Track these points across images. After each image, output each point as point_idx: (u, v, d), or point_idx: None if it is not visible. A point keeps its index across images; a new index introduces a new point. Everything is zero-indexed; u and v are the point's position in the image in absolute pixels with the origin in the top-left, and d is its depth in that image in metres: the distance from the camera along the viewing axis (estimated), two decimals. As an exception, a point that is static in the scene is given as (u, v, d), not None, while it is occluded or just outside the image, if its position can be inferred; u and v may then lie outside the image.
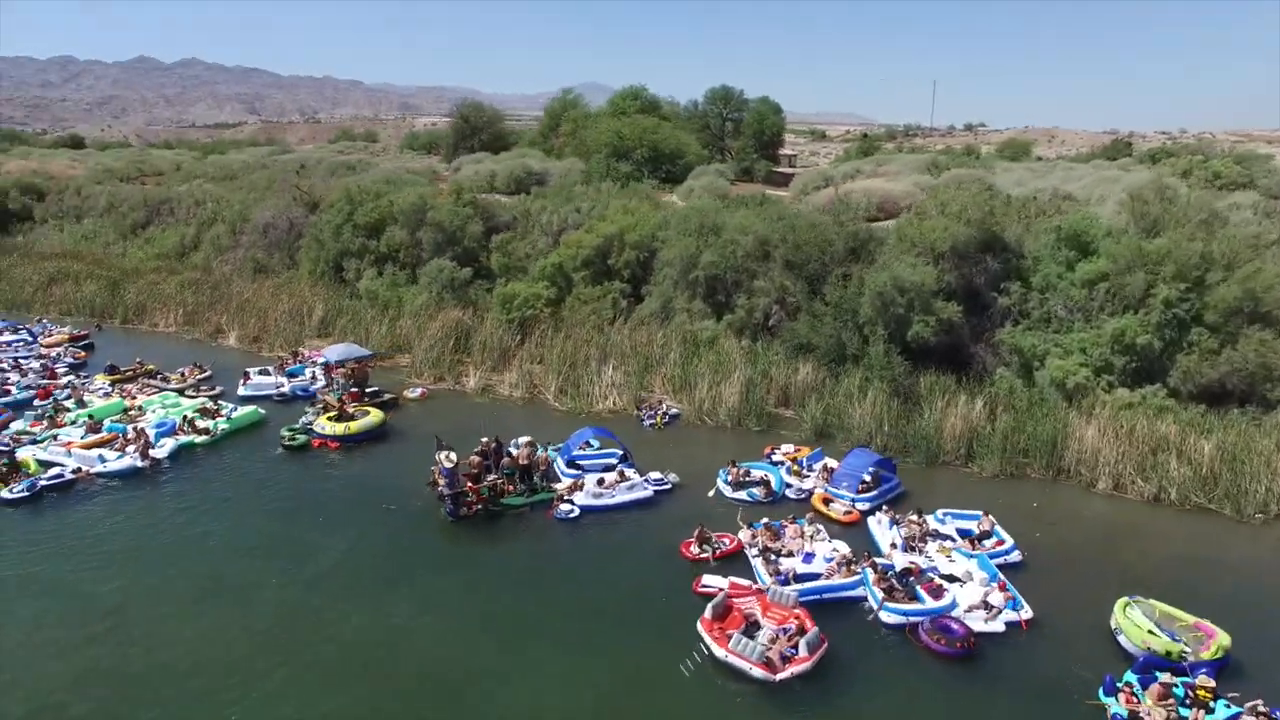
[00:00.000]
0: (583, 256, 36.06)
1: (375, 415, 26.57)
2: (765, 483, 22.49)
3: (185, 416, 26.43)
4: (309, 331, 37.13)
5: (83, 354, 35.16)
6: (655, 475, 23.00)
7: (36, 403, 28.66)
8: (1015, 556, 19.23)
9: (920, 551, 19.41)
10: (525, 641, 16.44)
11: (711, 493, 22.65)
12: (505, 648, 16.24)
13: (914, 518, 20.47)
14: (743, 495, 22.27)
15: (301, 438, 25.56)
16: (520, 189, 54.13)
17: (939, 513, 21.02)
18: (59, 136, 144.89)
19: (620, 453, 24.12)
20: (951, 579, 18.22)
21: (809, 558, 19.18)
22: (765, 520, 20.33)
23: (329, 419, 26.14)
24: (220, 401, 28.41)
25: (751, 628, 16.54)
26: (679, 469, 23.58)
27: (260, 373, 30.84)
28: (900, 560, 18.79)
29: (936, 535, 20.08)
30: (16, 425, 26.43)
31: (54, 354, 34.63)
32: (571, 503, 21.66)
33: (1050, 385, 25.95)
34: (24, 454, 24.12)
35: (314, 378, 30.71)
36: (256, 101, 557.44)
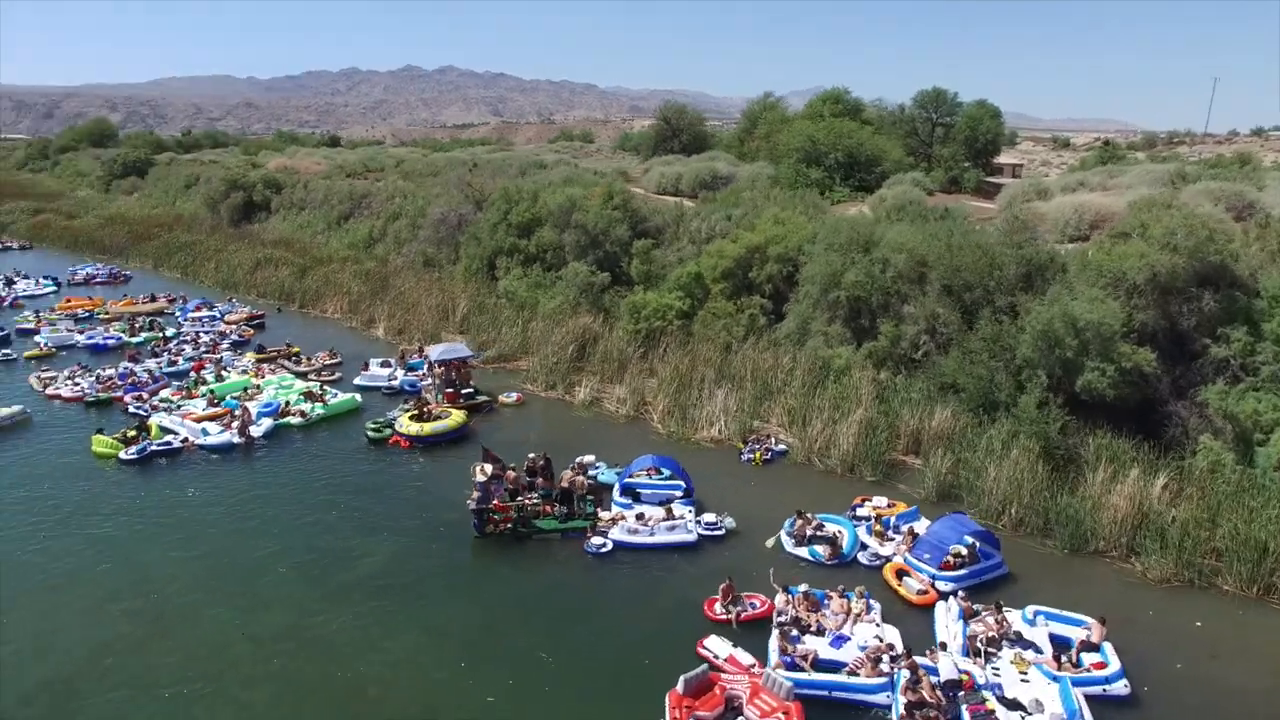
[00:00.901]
0: (722, 267, 33.54)
1: (454, 419, 26.19)
2: (834, 541, 19.12)
3: (287, 400, 27.82)
4: (451, 327, 37.84)
5: (250, 332, 38.56)
6: (709, 518, 20.43)
7: (191, 374, 31.50)
8: (1119, 688, 14.34)
9: (988, 659, 14.99)
10: (495, 680, 15.00)
11: (770, 543, 19.71)
12: (471, 682, 14.99)
13: (994, 612, 16.12)
14: (804, 552, 19.09)
15: (386, 431, 26.00)
16: (707, 191, 52.56)
17: (1031, 610, 16.38)
18: (321, 137, 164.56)
19: (682, 487, 21.60)
20: (1015, 706, 13.76)
21: (839, 641, 15.67)
22: (805, 587, 17.14)
23: (409, 418, 26.09)
24: (326, 388, 29.63)
25: (730, 715, 13.57)
26: (757, 514, 20.76)
27: (382, 364, 32.05)
28: (948, 667, 14.50)
29: (1017, 640, 15.52)
30: (165, 393, 29.16)
31: (226, 330, 38.09)
32: (605, 536, 19.84)
33: (1276, 469, 19.81)
34: (154, 420, 26.45)
35: (424, 374, 31.13)
36: (500, 104, 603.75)
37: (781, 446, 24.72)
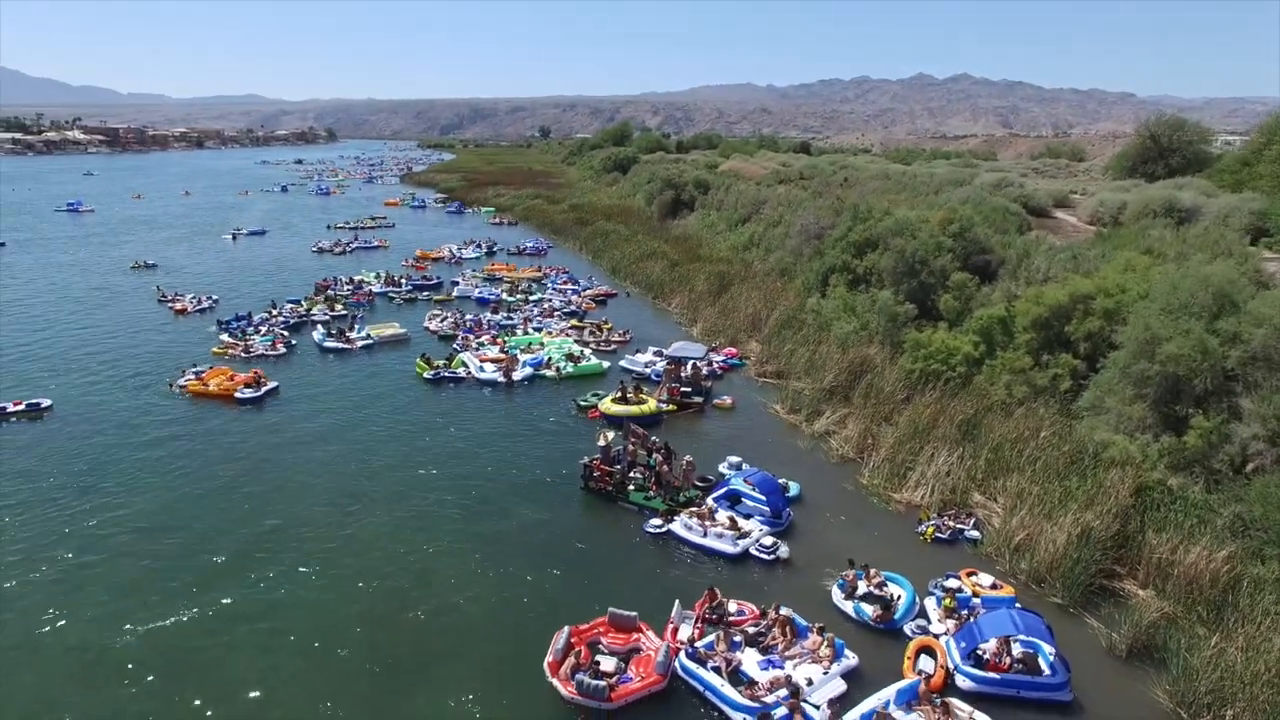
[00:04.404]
0: (1035, 315, 28.59)
1: (647, 407, 29.36)
2: (887, 603, 16.93)
3: (550, 356, 35.50)
4: (759, 336, 38.79)
5: (592, 306, 46.93)
6: (768, 540, 20.50)
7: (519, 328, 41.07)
8: None
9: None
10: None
11: (824, 584, 18.86)
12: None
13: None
14: (849, 608, 17.37)
15: (592, 401, 30.60)
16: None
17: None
18: (794, 142, 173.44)
19: (769, 510, 21.55)
20: None
21: (771, 664, 15.81)
22: (789, 611, 16.98)
23: (613, 400, 29.86)
24: (587, 353, 36.61)
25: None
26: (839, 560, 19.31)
27: (655, 353, 35.81)
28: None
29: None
30: (484, 338, 38.68)
31: (578, 302, 46.70)
32: (662, 521, 21.58)
33: None
34: (460, 355, 35.91)
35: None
36: (1011, 115, 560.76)
37: (974, 532, 20.88)
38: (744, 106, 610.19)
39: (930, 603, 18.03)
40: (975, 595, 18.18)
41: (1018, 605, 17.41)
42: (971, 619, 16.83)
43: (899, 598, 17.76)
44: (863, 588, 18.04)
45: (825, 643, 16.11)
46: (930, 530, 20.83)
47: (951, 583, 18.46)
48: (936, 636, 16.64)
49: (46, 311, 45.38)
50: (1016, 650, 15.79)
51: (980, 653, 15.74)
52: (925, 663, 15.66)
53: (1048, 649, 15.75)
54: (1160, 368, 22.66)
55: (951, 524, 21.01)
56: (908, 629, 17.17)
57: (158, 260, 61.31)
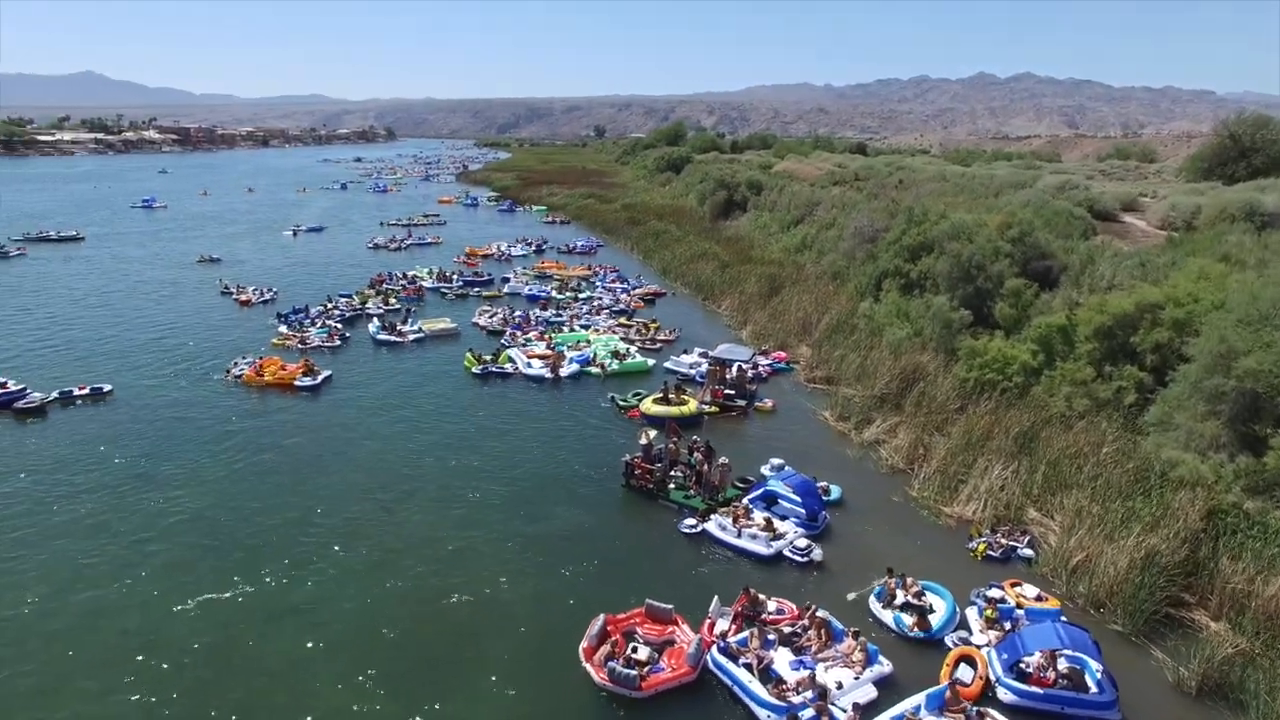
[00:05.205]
0: (1098, 324, 27.43)
1: (688, 408, 29.08)
2: (925, 613, 16.56)
3: (596, 353, 35.86)
4: (809, 340, 38.12)
5: (641, 304, 46.98)
6: (802, 543, 20.35)
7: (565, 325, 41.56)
8: None
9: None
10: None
11: (851, 596, 18.36)
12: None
13: None
14: (888, 617, 16.93)
15: (633, 401, 30.52)
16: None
17: None
18: (851, 142, 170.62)
19: (804, 513, 21.41)
20: None
21: (803, 665, 15.58)
22: (826, 613, 16.76)
23: (654, 400, 29.69)
24: (631, 350, 36.85)
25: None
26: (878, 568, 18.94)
27: (701, 354, 35.67)
28: None
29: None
30: (531, 334, 39.20)
31: (627, 300, 47.00)
32: (697, 520, 21.56)
33: None
34: (508, 350, 36.51)
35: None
36: (1078, 114, 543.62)
37: (1028, 551, 20.05)
38: (800, 106, 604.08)
39: (972, 612, 17.57)
40: (1019, 606, 17.64)
41: (1063, 618, 16.82)
42: (1014, 630, 16.33)
43: (938, 608, 17.33)
44: (901, 597, 17.64)
45: (859, 647, 15.83)
46: (982, 547, 20.04)
47: (994, 592, 17.90)
48: (978, 647, 16.18)
49: (118, 302, 47.19)
50: (1062, 665, 15.22)
51: (1023, 666, 15.20)
52: (964, 672, 15.25)
53: (1094, 665, 15.14)
54: (1237, 383, 21.47)
55: (1004, 541, 20.20)
56: (948, 640, 16.68)
57: (221, 254, 63.21)
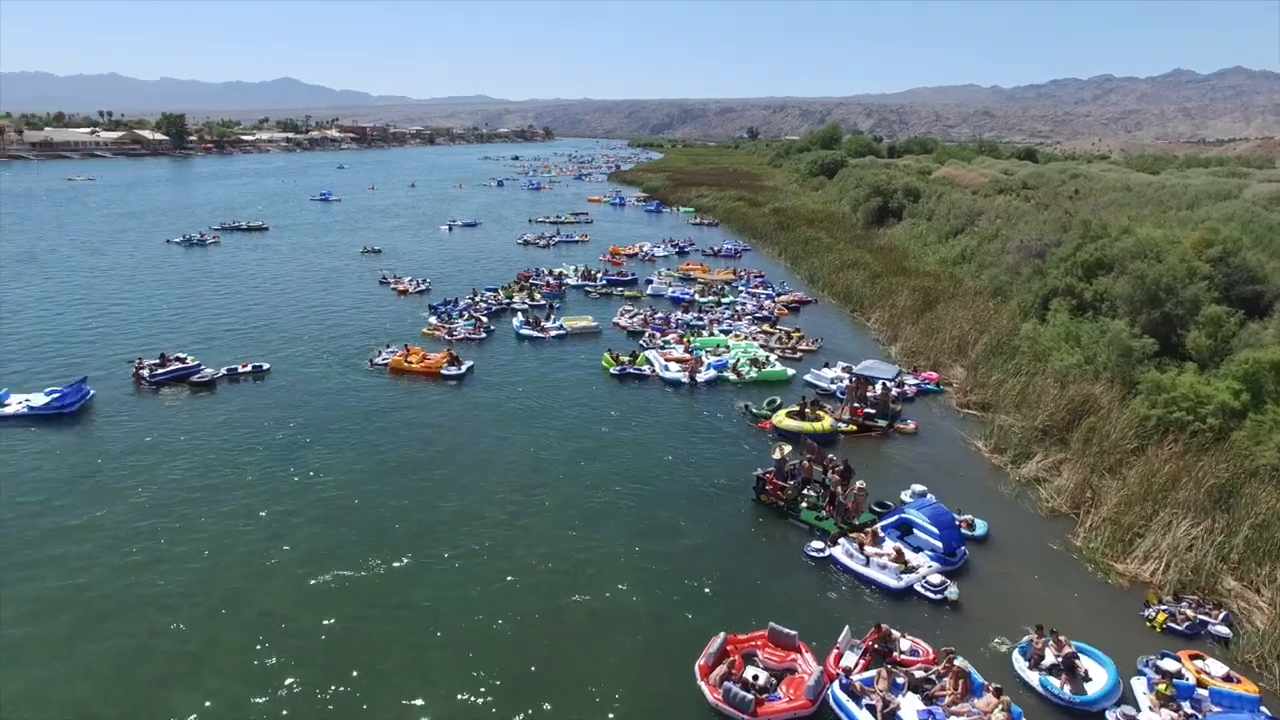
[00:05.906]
0: (1317, 361, 23.61)
1: (821, 425, 27.81)
2: (1076, 676, 14.58)
3: (735, 360, 35.10)
4: (964, 361, 35.41)
5: (785, 312, 46.00)
6: (936, 579, 18.76)
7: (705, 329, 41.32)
8: None
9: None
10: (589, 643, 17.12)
11: (1003, 646, 16.63)
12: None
13: None
14: (1034, 679, 15.05)
15: (765, 412, 29.54)
16: None
17: None
18: (1018, 148, 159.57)
19: (941, 547, 19.73)
20: None
21: (932, 716, 14.22)
22: (964, 662, 15.31)
23: (788, 414, 28.33)
24: (771, 358, 35.95)
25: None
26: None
27: (843, 368, 33.98)
28: None
29: None
30: (670, 336, 39.35)
31: (770, 307, 46.28)
32: (826, 544, 20.48)
33: None
34: (645, 352, 36.40)
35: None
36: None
37: (1223, 629, 17.20)
38: (964, 109, 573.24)
39: (1139, 684, 15.32)
40: (1200, 685, 15.17)
41: (1264, 709, 14.28)
42: (1198, 716, 14.07)
43: (1096, 676, 15.19)
44: (1050, 657, 15.58)
45: (1000, 706, 14.14)
46: (1162, 616, 17.37)
47: (1168, 664, 15.50)
48: None
49: (290, 288, 50.96)
50: None
51: None
52: None
53: None
54: None
55: (1191, 614, 17.45)
56: (1110, 716, 14.55)
57: (382, 246, 67.13)
